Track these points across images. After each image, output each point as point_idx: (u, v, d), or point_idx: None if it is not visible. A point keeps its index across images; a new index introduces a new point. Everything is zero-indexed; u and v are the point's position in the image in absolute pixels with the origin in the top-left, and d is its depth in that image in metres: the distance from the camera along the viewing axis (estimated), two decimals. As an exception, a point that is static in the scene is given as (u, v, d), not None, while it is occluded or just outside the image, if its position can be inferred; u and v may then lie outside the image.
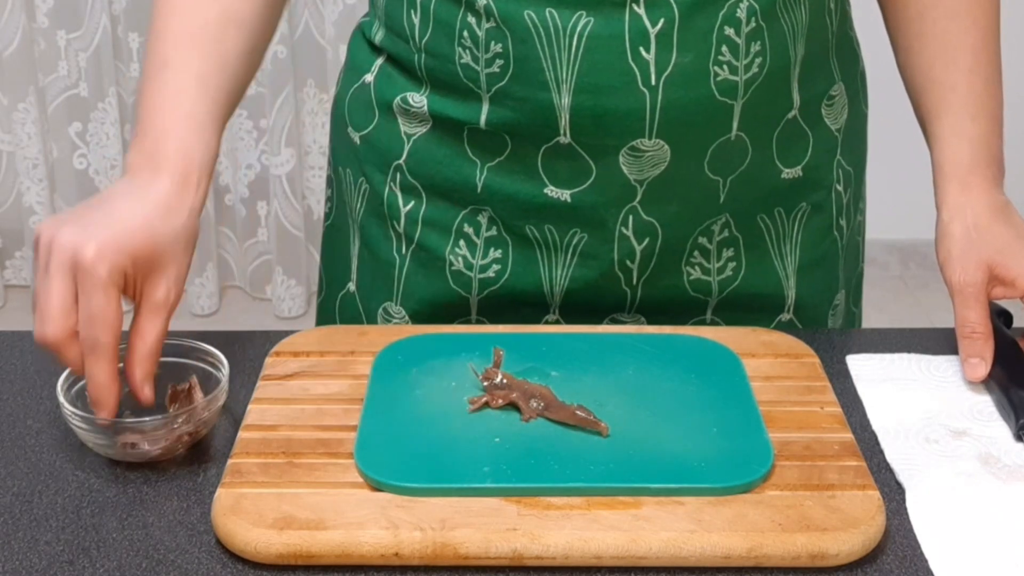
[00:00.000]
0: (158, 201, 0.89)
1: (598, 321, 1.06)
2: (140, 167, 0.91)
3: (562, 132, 0.95)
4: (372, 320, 1.11)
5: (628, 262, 1.02)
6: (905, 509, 0.82)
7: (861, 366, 0.98)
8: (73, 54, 2.71)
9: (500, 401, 0.87)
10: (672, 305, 1.05)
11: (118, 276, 0.84)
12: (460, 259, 1.04)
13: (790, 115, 1.00)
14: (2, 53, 2.71)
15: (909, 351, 1.00)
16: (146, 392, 0.86)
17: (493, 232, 1.03)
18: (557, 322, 1.06)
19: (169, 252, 0.88)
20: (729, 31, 0.92)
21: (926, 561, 0.78)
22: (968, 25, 1.01)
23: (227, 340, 1.00)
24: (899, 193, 3.08)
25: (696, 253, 1.03)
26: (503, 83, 0.95)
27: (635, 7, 0.91)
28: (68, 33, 2.69)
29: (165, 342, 0.92)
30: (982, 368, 0.94)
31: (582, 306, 1.04)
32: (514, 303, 1.04)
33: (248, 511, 0.78)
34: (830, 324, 1.12)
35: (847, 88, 1.06)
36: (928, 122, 1.03)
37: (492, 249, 1.03)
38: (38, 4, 2.66)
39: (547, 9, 0.91)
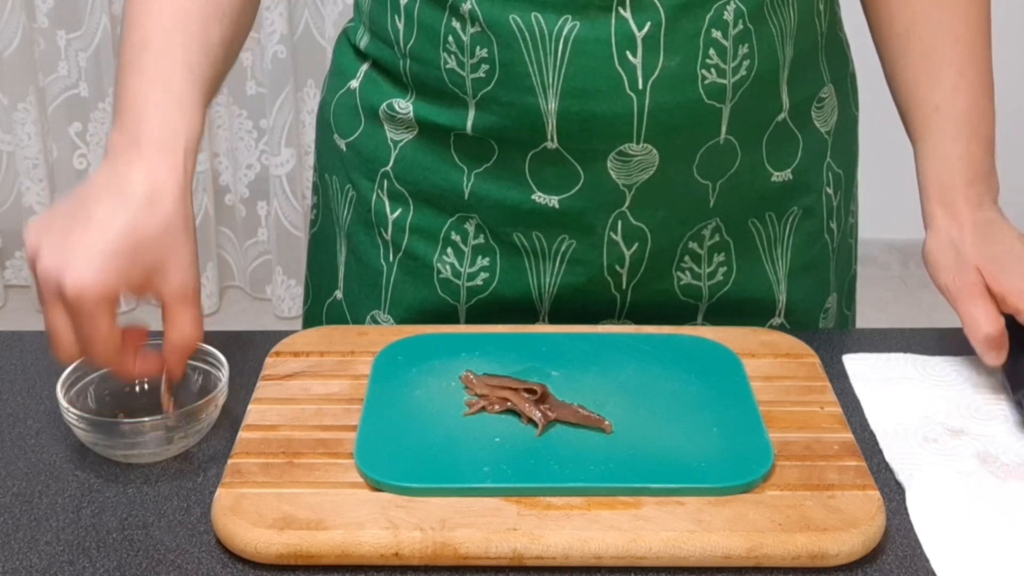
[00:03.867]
0: (139, 193, 0.84)
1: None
2: (121, 148, 0.87)
3: (549, 137, 0.95)
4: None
5: (617, 267, 1.02)
6: (905, 509, 0.82)
7: (858, 366, 0.98)
8: (73, 54, 2.71)
9: (496, 408, 0.87)
10: (662, 310, 1.04)
11: (106, 300, 0.81)
12: (448, 267, 1.04)
13: (779, 118, 1.00)
14: (2, 53, 2.71)
15: (908, 351, 1.00)
16: (177, 375, 0.87)
17: (480, 240, 1.02)
18: None
19: (166, 243, 0.84)
20: (716, 34, 0.92)
21: (926, 561, 0.78)
22: (951, 41, 1.00)
23: (227, 340, 1.00)
24: (899, 193, 3.07)
25: (687, 258, 1.03)
26: (489, 88, 0.95)
27: (621, 11, 0.90)
28: (68, 33, 2.69)
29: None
30: (1000, 358, 0.93)
31: (571, 312, 1.04)
32: (502, 311, 1.04)
33: (248, 511, 0.78)
34: (821, 327, 1.12)
35: (837, 90, 1.06)
36: (913, 141, 1.03)
37: (480, 257, 1.03)
38: (38, 4, 2.66)
39: (532, 13, 0.91)
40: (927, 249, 0.99)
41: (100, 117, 2.76)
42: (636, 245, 1.01)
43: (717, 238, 1.03)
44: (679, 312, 1.05)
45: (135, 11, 0.93)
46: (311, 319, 1.17)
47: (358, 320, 1.10)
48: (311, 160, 2.85)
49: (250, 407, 0.89)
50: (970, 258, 0.96)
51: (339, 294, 1.12)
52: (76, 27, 2.68)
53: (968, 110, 1.00)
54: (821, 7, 1.00)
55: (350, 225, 1.09)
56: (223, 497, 0.79)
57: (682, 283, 1.04)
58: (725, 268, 1.04)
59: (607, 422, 0.85)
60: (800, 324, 1.09)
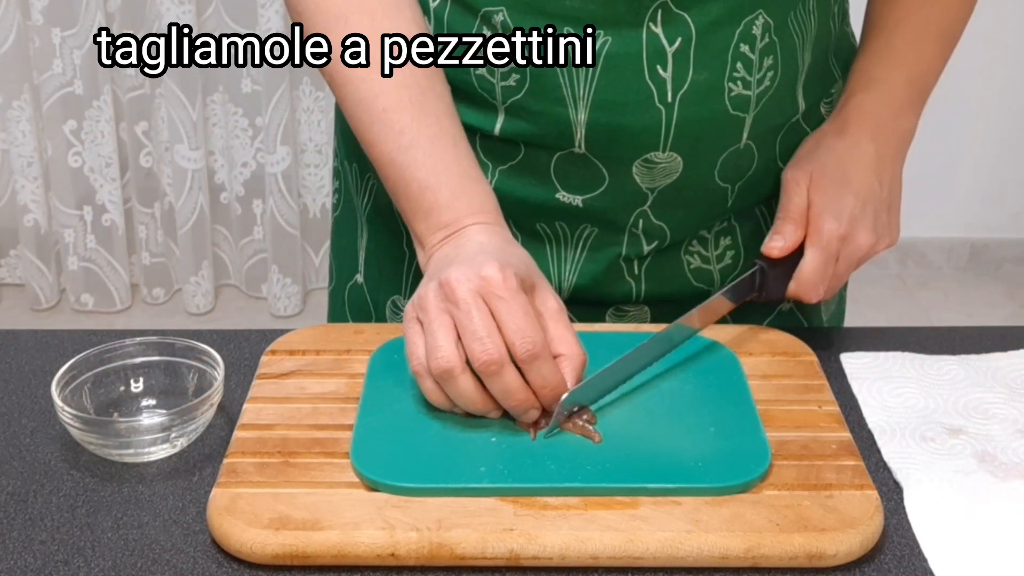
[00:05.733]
0: (490, 241, 0.89)
1: (603, 311, 1.06)
2: (445, 240, 0.91)
3: (577, 145, 0.95)
4: (380, 312, 1.11)
5: (634, 255, 1.03)
6: (903, 509, 0.82)
7: (856, 365, 0.98)
8: (68, 52, 2.70)
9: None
10: (677, 297, 1.06)
11: (521, 287, 0.84)
12: None
13: (794, 119, 1.01)
14: (-3, 51, 2.70)
15: (906, 349, 1.00)
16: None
17: None
18: None
19: (534, 270, 0.88)
20: (744, 48, 0.92)
21: (924, 561, 0.78)
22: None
23: (223, 339, 1.00)
24: (895, 191, 3.07)
25: (694, 242, 1.04)
26: (519, 97, 0.95)
27: (652, 26, 0.90)
28: (63, 31, 2.68)
29: (160, 340, 0.92)
30: (780, 243, 0.98)
31: (589, 298, 1.05)
32: None
33: (244, 511, 0.78)
34: (823, 309, 1.13)
35: (844, 82, 1.07)
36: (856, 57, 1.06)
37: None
38: (33, 2, 2.65)
39: (564, 28, 0.91)
40: (808, 137, 1.03)
41: (95, 115, 2.75)
42: (656, 242, 1.02)
43: (725, 224, 1.04)
44: (693, 298, 1.06)
45: (368, 109, 0.93)
46: (335, 301, 1.19)
47: (379, 305, 1.11)
48: (307, 158, 2.86)
49: (246, 406, 0.89)
50: (816, 163, 0.99)
51: (360, 278, 1.13)
52: (71, 25, 2.68)
53: (904, 43, 1.02)
54: (835, 10, 1.01)
55: (370, 212, 1.09)
56: (218, 497, 0.79)
57: (692, 267, 1.05)
58: (733, 252, 1.06)
59: (597, 437, 0.84)
60: (806, 307, 1.11)
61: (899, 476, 0.85)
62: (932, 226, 3.15)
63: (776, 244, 0.98)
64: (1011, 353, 0.99)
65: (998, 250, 3.17)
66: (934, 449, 0.87)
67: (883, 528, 0.79)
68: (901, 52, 1.02)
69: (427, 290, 0.85)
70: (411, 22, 0.94)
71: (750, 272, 0.99)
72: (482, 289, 0.82)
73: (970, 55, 2.79)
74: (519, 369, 0.82)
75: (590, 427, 0.85)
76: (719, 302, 0.96)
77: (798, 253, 0.99)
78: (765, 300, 1.00)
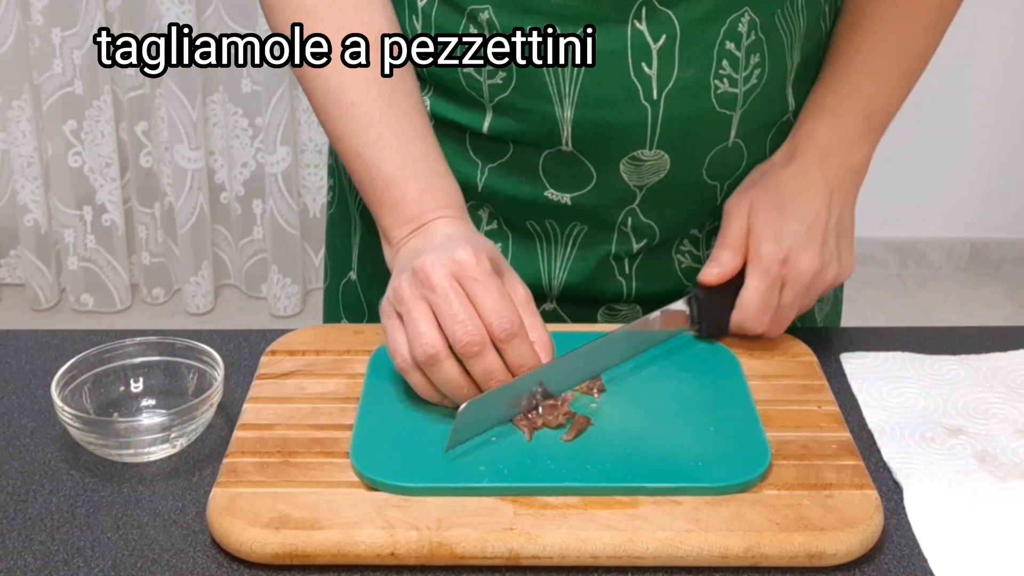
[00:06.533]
0: (458, 232, 0.90)
1: (595, 310, 1.06)
2: (412, 234, 0.92)
3: (564, 142, 0.95)
4: (373, 309, 1.11)
5: (624, 254, 1.03)
6: (902, 508, 0.82)
7: (855, 365, 0.98)
8: (68, 52, 2.70)
9: None
10: (668, 297, 1.05)
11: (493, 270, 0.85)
12: None
13: (784, 118, 1.01)
14: (-3, 51, 2.70)
15: (906, 349, 1.00)
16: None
17: (494, 226, 1.03)
18: (554, 311, 1.06)
19: (501, 259, 0.89)
20: (730, 45, 0.92)
21: (924, 560, 0.78)
22: (889, 29, 0.99)
23: (223, 339, 1.00)
24: (896, 192, 3.08)
25: (685, 241, 1.04)
26: (506, 94, 0.95)
27: (637, 23, 0.90)
28: (63, 31, 2.68)
29: (160, 340, 0.92)
30: (716, 270, 0.95)
31: (581, 297, 1.05)
32: None
33: (244, 510, 0.78)
34: (816, 310, 1.13)
35: None
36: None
37: (493, 242, 1.03)
38: (33, 2, 2.65)
39: (552, 26, 0.91)
40: (756, 167, 1.01)
41: (95, 115, 2.75)
42: (644, 240, 1.02)
43: (715, 223, 1.04)
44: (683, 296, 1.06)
45: (337, 103, 0.94)
46: (329, 298, 1.19)
47: (372, 302, 1.11)
48: (307, 158, 2.85)
49: (245, 406, 0.89)
50: (758, 190, 0.97)
51: (353, 275, 1.13)
52: (71, 25, 2.68)
53: (859, 74, 1.00)
54: (827, 9, 1.00)
55: (363, 209, 1.10)
56: (218, 496, 0.79)
57: (683, 266, 1.05)
58: None
59: (597, 395, 0.86)
60: None
61: (899, 476, 0.85)
62: (932, 226, 3.16)
63: (713, 271, 0.96)
64: (1011, 353, 0.99)
65: (998, 250, 3.17)
66: (934, 449, 0.87)
67: (883, 528, 0.79)
68: (856, 83, 0.99)
69: (401, 281, 0.85)
70: (382, 16, 0.95)
71: (683, 299, 0.96)
72: (457, 272, 0.83)
73: (969, 55, 2.80)
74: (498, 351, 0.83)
75: (595, 391, 0.88)
76: (651, 324, 0.94)
77: (740, 285, 0.95)
78: (707, 333, 0.96)
